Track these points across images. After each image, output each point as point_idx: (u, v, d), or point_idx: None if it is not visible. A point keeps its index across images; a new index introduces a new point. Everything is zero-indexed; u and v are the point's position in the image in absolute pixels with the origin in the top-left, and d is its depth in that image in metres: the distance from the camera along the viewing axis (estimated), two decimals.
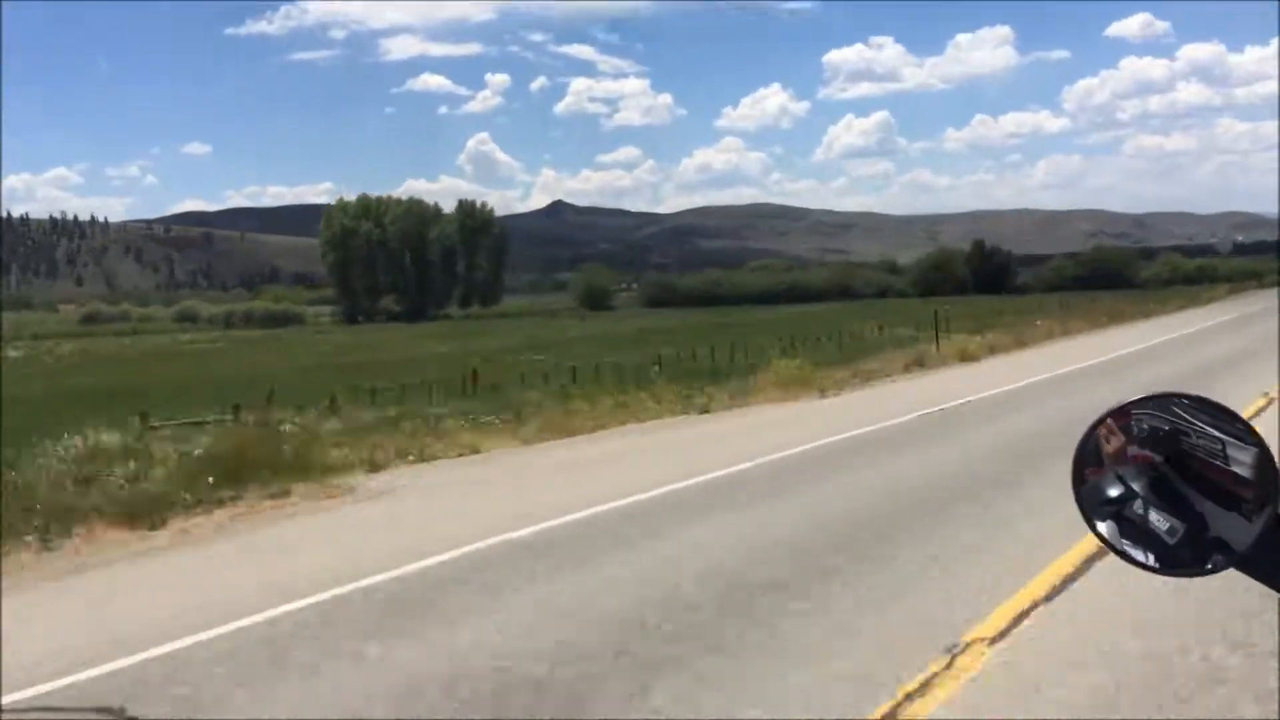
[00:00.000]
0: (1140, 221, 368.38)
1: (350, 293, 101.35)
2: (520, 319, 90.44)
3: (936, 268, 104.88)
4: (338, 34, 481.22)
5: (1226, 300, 53.41)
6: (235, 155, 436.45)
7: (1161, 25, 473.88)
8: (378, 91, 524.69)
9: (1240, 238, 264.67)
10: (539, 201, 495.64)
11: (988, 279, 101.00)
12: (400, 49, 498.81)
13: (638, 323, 72.85)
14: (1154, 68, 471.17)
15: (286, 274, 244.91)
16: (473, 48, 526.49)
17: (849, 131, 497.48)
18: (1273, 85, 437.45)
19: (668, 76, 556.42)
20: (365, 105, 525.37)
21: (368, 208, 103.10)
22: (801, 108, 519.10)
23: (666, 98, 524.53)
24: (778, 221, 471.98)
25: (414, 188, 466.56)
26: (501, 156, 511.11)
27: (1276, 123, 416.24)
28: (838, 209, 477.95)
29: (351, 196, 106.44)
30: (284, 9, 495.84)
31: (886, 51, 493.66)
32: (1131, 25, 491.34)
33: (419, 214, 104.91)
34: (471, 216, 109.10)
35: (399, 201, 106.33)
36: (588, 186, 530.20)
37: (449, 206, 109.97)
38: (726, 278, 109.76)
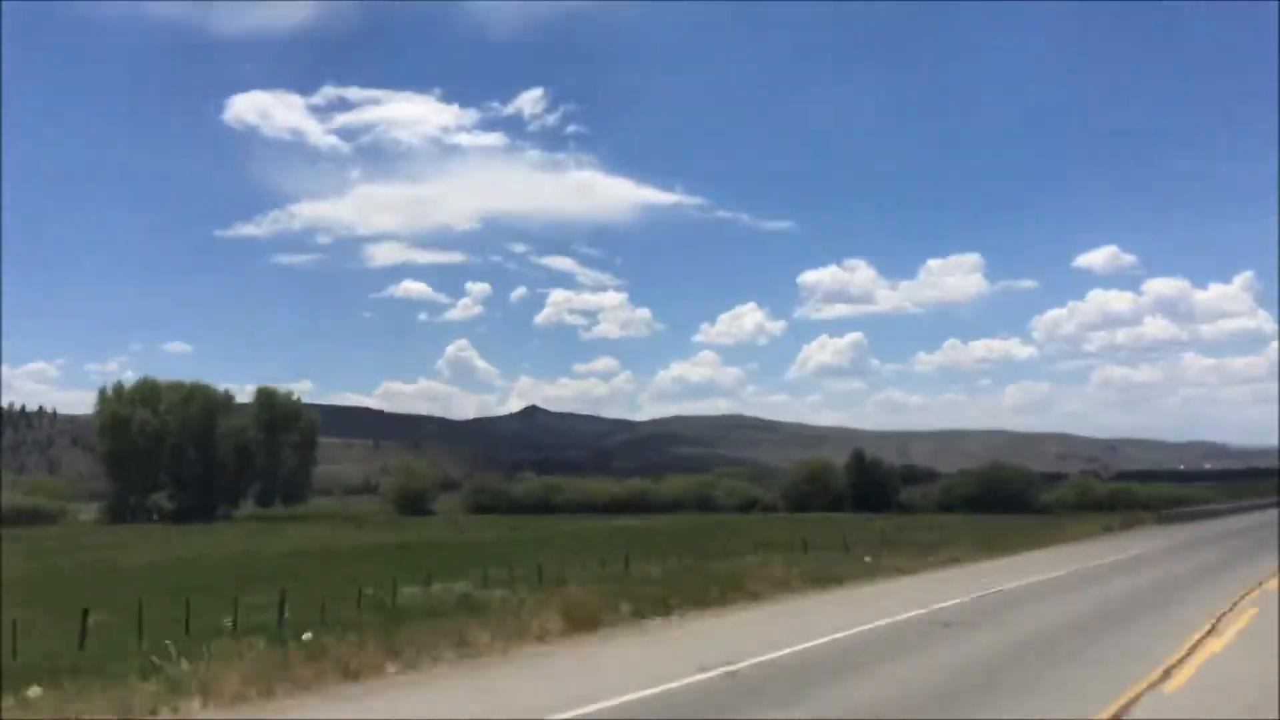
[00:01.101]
0: (1110, 447, 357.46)
1: (125, 486, 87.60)
2: (297, 523, 75.60)
3: (809, 480, 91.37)
4: (324, 239, 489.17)
5: (1063, 547, 38.93)
6: (215, 353, 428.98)
7: (1129, 259, 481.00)
8: (359, 296, 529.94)
9: (1209, 465, 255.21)
10: (515, 405, 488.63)
11: (867, 495, 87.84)
12: (384, 255, 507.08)
13: (366, 538, 57.68)
14: (1120, 301, 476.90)
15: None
16: (455, 256, 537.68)
17: (823, 351, 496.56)
18: (1233, 323, 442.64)
19: (646, 291, 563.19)
20: (347, 309, 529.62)
21: (145, 394, 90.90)
22: (778, 326, 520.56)
23: (645, 312, 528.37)
24: (752, 432, 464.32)
25: (391, 389, 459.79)
26: (480, 363, 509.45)
27: (1239, 359, 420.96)
28: (812, 422, 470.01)
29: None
30: (273, 214, 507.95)
31: (860, 274, 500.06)
32: (1099, 257, 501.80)
33: (203, 402, 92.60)
34: (271, 407, 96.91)
35: (179, 386, 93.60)
36: (565, 393, 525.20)
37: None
38: (566, 484, 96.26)
